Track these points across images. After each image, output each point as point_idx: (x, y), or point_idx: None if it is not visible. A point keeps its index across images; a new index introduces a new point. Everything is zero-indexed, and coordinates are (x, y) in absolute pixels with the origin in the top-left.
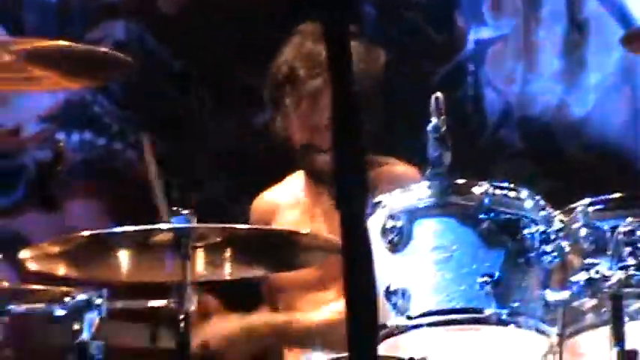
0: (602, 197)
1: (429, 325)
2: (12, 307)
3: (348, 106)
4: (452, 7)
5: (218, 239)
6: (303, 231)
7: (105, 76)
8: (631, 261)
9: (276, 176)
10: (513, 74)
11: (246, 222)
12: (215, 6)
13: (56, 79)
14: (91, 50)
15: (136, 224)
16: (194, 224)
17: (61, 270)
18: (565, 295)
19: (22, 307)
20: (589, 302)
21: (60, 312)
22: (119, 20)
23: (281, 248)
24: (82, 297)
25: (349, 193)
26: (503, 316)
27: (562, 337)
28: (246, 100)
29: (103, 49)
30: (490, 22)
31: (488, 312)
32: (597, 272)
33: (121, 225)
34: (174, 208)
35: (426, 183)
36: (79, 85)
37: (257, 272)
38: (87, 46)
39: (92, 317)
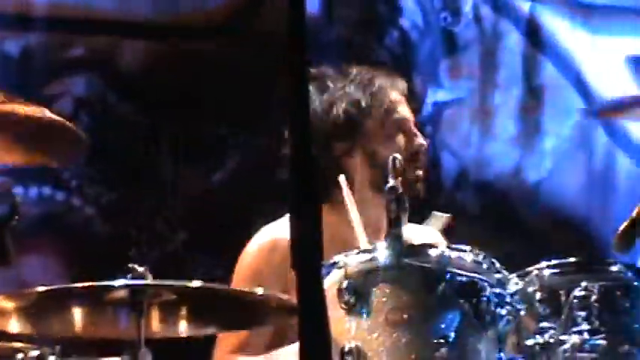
0: (558, 261)
1: None
2: None
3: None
4: (409, 68)
5: (173, 296)
6: (258, 291)
7: (55, 153)
8: (585, 326)
9: (235, 233)
10: (469, 138)
11: (205, 277)
12: (177, 62)
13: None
14: (39, 119)
15: (92, 280)
16: (149, 281)
17: (14, 326)
18: (520, 358)
19: None
20: None
21: None
22: (80, 75)
23: (235, 307)
24: (34, 353)
25: (305, 253)
26: None
27: None
28: (206, 156)
29: (55, 118)
30: (447, 85)
31: None
32: (552, 336)
33: (77, 281)
34: (130, 265)
35: (383, 244)
36: (24, 160)
37: (212, 330)
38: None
39: None
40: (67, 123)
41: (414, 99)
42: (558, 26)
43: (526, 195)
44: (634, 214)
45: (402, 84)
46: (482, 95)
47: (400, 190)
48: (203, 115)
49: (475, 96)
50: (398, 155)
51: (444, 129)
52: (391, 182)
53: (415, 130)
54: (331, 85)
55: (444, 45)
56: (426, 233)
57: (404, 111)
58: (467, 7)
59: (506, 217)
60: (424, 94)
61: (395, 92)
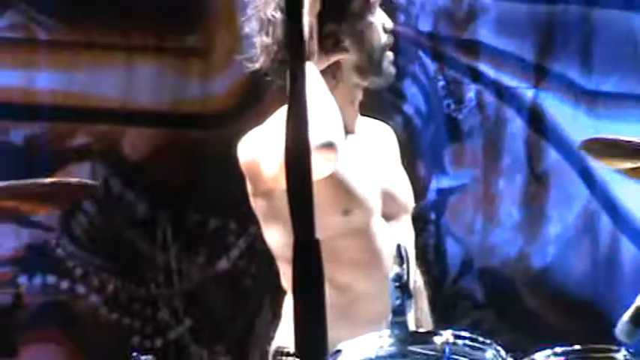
0: (562, 349)
1: None
2: None
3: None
4: (414, 155)
5: None
6: None
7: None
8: None
9: (239, 319)
10: (474, 224)
11: None
12: (180, 150)
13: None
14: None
15: None
16: None
17: None
18: None
19: None
20: None
21: None
22: (85, 163)
23: None
24: None
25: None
26: None
27: None
28: (210, 245)
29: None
30: (451, 172)
31: None
32: None
33: None
34: (135, 354)
35: (387, 331)
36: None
37: None
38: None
39: None
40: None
41: (419, 185)
42: (562, 113)
43: (531, 281)
44: (638, 301)
45: None
46: (486, 182)
47: (405, 279)
48: (206, 203)
49: (479, 182)
50: (403, 243)
51: (448, 216)
52: (396, 269)
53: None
54: None
55: (448, 132)
56: (382, 129)
57: None
58: (470, 94)
59: (511, 304)
60: (428, 181)
61: None
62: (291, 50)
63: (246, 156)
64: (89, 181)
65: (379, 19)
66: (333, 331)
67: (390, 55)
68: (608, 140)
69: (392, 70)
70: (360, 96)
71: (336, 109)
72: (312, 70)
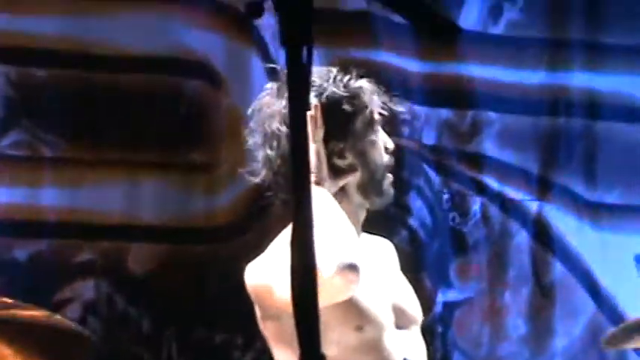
0: None
1: None
2: None
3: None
4: (419, 269)
5: None
6: None
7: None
8: None
9: None
10: (480, 337)
11: None
12: (184, 265)
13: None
14: (51, 321)
15: None
16: None
17: None
18: None
19: None
20: None
21: None
22: (89, 280)
23: None
24: None
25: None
26: None
27: None
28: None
29: (66, 324)
30: (457, 285)
31: None
32: None
33: None
34: None
35: None
36: None
37: None
38: (49, 320)
39: None
40: (73, 325)
41: (425, 298)
42: (566, 225)
43: None
44: None
45: (379, 94)
46: (492, 295)
47: None
48: (212, 318)
49: (485, 295)
50: (410, 358)
51: (455, 329)
52: None
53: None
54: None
55: (453, 245)
56: (382, 244)
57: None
58: (475, 207)
59: None
60: (434, 294)
61: (374, 96)
62: (295, 168)
63: (255, 281)
64: (85, 332)
65: (381, 139)
66: None
67: (390, 176)
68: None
69: (391, 191)
70: (363, 215)
71: (354, 232)
72: (325, 195)
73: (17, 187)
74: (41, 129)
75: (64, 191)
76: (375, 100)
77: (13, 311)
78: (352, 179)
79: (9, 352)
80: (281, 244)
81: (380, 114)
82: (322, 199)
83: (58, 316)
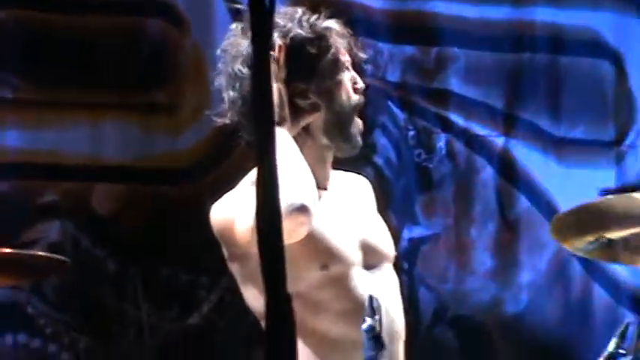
0: None
1: None
2: None
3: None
4: (385, 206)
5: None
6: None
7: (36, 275)
8: None
9: None
10: (446, 272)
11: None
12: (147, 205)
13: None
14: (18, 254)
15: None
16: None
17: None
18: None
19: None
20: None
21: None
22: (53, 221)
23: None
24: None
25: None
26: None
27: None
28: (181, 299)
29: (36, 253)
30: (422, 221)
31: None
32: None
33: None
34: None
35: None
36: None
37: None
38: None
39: None
40: (47, 254)
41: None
42: (531, 160)
43: (504, 328)
44: (609, 347)
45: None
46: (458, 230)
47: (377, 330)
48: (176, 257)
49: (451, 231)
50: (375, 295)
51: (421, 265)
52: (369, 321)
53: (355, 73)
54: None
55: (419, 181)
56: (357, 181)
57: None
58: (440, 143)
59: (485, 351)
60: (400, 231)
61: (340, 38)
62: (257, 110)
63: (219, 221)
64: (61, 258)
65: (349, 79)
66: None
67: (359, 123)
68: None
69: (359, 139)
70: (331, 156)
71: (308, 173)
72: (283, 135)
73: None
74: (2, 71)
75: (27, 133)
76: (341, 42)
77: None
78: (317, 120)
79: None
80: (245, 185)
81: (349, 54)
82: (279, 138)
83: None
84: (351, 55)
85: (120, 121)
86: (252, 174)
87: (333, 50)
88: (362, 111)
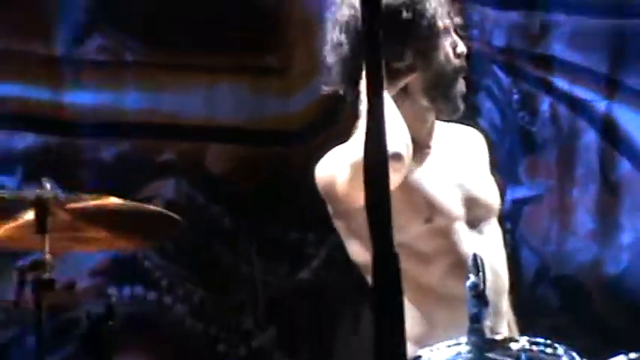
0: (635, 355)
1: None
2: None
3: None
4: (490, 168)
5: None
6: None
7: (155, 235)
8: None
9: (320, 328)
10: (549, 233)
11: None
12: (261, 165)
13: (108, 238)
14: (140, 208)
15: None
16: None
17: None
18: None
19: None
20: None
21: None
22: (169, 179)
23: None
24: None
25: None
26: None
27: None
28: (291, 256)
29: (153, 208)
30: (526, 183)
31: None
32: None
33: None
34: None
35: (465, 339)
36: (131, 245)
37: None
38: (136, 203)
39: None
40: (162, 210)
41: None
42: (634, 124)
43: (605, 289)
44: None
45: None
46: (560, 192)
47: (481, 287)
48: (286, 216)
49: (554, 193)
50: (479, 252)
51: (524, 226)
52: (472, 279)
53: (457, 37)
54: None
55: (523, 143)
56: (469, 135)
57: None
58: (544, 107)
59: (585, 311)
60: (503, 192)
61: (438, 4)
62: (369, 58)
63: (323, 178)
64: (175, 216)
65: (450, 42)
66: (414, 330)
67: (461, 86)
68: None
69: (460, 103)
70: (432, 117)
71: (402, 124)
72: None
73: (102, 91)
74: (123, 34)
75: (146, 94)
76: (439, 7)
77: (104, 201)
78: (415, 81)
79: (104, 234)
80: (349, 145)
81: (450, 19)
82: None
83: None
84: (452, 20)
85: (234, 83)
86: (357, 135)
87: (429, 15)
88: (467, 75)
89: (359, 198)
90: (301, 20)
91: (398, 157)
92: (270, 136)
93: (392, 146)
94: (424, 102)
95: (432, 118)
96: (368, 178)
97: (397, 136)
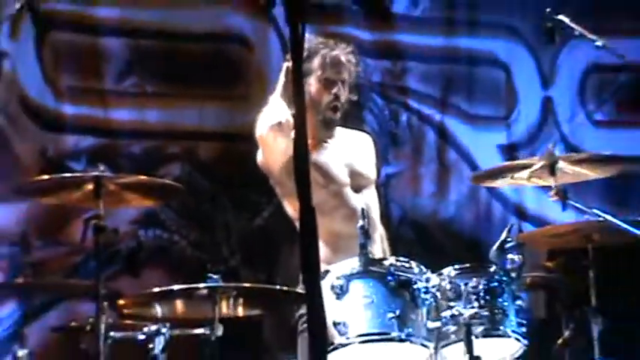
0: (459, 266)
1: (360, 342)
2: (112, 334)
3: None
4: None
5: (234, 292)
6: (282, 288)
7: (167, 197)
8: (475, 304)
9: (269, 254)
10: (407, 194)
11: (253, 280)
12: (235, 157)
13: (139, 199)
14: (157, 181)
15: (186, 284)
16: (220, 284)
17: (141, 312)
18: (438, 324)
19: (119, 334)
20: (452, 328)
21: (141, 337)
22: (176, 164)
23: (265, 296)
24: (153, 328)
25: (311, 273)
26: (403, 336)
27: (436, 348)
28: (251, 210)
29: (165, 181)
30: (392, 163)
31: (393, 334)
32: (456, 311)
33: (175, 284)
34: (209, 275)
35: (356, 258)
36: (152, 204)
37: (255, 311)
38: (154, 178)
39: (160, 340)
40: (167, 180)
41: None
42: (457, 128)
43: (441, 227)
44: (503, 236)
45: (351, 58)
46: (413, 169)
47: (367, 227)
48: (249, 185)
49: (409, 170)
50: (365, 206)
51: (391, 190)
52: (361, 222)
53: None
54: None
55: (391, 140)
56: (360, 135)
57: (339, 73)
58: (403, 118)
59: (429, 241)
60: (380, 170)
61: (343, 57)
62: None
63: (259, 160)
64: (178, 185)
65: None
66: (324, 255)
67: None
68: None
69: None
70: (326, 125)
71: (287, 110)
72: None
73: (133, 111)
74: (146, 76)
75: (160, 112)
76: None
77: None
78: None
79: (136, 198)
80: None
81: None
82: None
83: (160, 179)
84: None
85: (216, 104)
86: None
87: (319, 63)
88: (357, 98)
89: (273, 163)
90: (257, 66)
91: (279, 124)
92: (238, 136)
93: (276, 118)
94: (319, 117)
95: (331, 122)
96: (296, 161)
97: (280, 113)
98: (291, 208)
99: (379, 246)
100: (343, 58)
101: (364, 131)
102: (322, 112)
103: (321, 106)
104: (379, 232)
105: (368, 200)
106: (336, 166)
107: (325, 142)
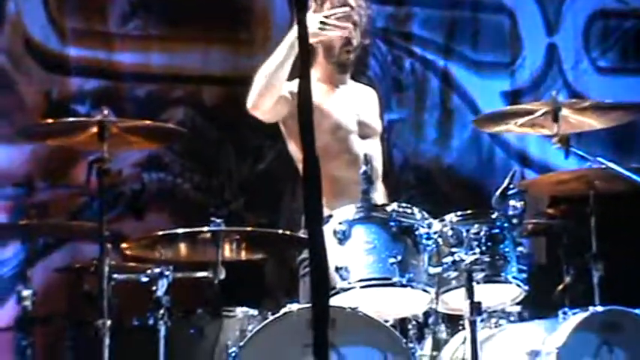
0: (461, 212)
1: (361, 287)
2: (115, 276)
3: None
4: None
5: (237, 236)
6: (284, 232)
7: (171, 140)
8: (477, 250)
9: (272, 197)
10: (409, 140)
11: (255, 224)
12: (238, 103)
13: (142, 142)
14: (160, 125)
15: (189, 227)
16: (223, 227)
17: (146, 254)
18: (439, 269)
19: (122, 276)
20: (453, 274)
21: (144, 279)
22: (180, 107)
23: (268, 240)
24: (157, 270)
25: (314, 218)
26: (404, 282)
27: (437, 294)
28: (254, 153)
29: (169, 125)
30: (395, 110)
31: (395, 279)
32: (458, 257)
33: (178, 226)
34: (212, 218)
35: (359, 204)
36: (155, 146)
37: (259, 255)
38: (158, 122)
39: (163, 282)
40: (171, 125)
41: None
42: (460, 74)
43: (443, 173)
44: (505, 182)
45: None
46: (416, 115)
47: (369, 173)
48: (252, 128)
49: (413, 116)
50: (368, 153)
51: (394, 136)
52: (364, 168)
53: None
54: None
55: (394, 86)
56: (366, 88)
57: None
58: (407, 64)
59: (431, 187)
60: (382, 115)
61: (353, 1)
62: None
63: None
64: (182, 129)
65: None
66: (327, 200)
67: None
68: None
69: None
70: (340, 68)
71: (282, 72)
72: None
73: (137, 54)
74: (150, 19)
75: (164, 55)
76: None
77: (139, 122)
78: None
79: (140, 140)
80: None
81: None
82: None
83: (164, 123)
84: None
85: (221, 48)
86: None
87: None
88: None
89: (262, 104)
90: (262, 10)
91: (254, 107)
92: (242, 80)
93: (250, 101)
94: (333, 60)
95: (341, 68)
96: (301, 110)
97: (256, 92)
98: (295, 147)
99: (380, 194)
100: (353, 2)
101: (370, 86)
102: (336, 56)
103: (334, 49)
104: (380, 178)
105: (372, 148)
106: (344, 112)
107: (337, 87)
